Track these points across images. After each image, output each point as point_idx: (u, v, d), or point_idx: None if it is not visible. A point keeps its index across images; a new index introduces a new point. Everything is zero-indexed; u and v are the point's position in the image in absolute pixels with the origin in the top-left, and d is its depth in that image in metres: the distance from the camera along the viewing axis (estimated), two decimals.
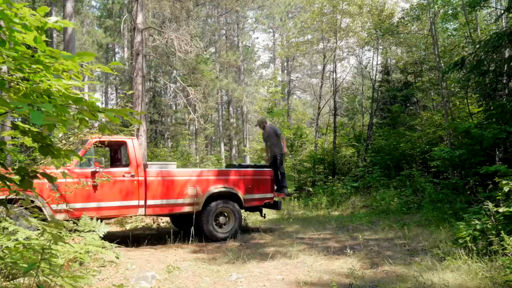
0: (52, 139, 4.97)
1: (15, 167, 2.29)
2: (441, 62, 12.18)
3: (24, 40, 2.05)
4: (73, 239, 4.14)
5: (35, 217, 3.60)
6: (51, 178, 2.27)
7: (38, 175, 2.27)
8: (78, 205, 5.50)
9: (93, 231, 4.34)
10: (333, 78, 16.66)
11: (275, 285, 3.94)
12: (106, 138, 5.91)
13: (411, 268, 4.43)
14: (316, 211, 10.81)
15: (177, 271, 4.46)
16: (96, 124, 6.48)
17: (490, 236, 4.50)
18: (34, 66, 2.09)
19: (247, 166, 8.10)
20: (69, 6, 10.68)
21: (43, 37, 2.07)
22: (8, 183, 2.25)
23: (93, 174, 5.68)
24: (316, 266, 4.70)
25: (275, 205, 7.40)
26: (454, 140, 10.70)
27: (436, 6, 11.83)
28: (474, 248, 4.51)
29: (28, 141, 2.29)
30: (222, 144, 27.29)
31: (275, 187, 7.65)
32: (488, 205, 4.93)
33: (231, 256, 5.20)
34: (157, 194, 6.16)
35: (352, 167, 14.93)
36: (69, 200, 5.42)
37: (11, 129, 2.36)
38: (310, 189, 13.02)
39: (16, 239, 3.14)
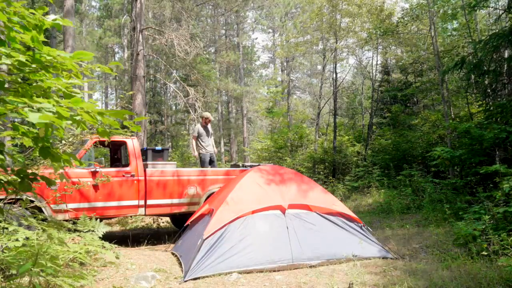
0: (52, 140, 4.96)
1: (14, 168, 2.29)
2: (441, 62, 12.17)
3: (22, 39, 2.04)
4: (72, 239, 4.14)
5: (34, 217, 3.60)
6: (49, 182, 2.26)
7: (38, 177, 2.26)
8: (78, 205, 5.50)
9: (93, 231, 4.34)
10: (333, 78, 16.65)
11: (275, 285, 3.93)
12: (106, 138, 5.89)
13: (411, 268, 4.43)
14: None
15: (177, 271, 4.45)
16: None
17: (490, 236, 4.49)
18: (34, 65, 2.09)
19: (250, 166, 8.04)
20: (69, 5, 10.67)
21: (41, 37, 2.06)
22: (6, 185, 2.24)
23: (93, 174, 5.68)
24: (316, 266, 4.68)
25: None
26: (454, 140, 10.69)
27: (436, 6, 11.81)
28: (474, 248, 4.50)
29: (27, 141, 2.29)
30: (222, 144, 27.28)
31: None
32: (488, 205, 4.93)
33: None
34: (157, 194, 6.16)
35: (352, 167, 14.93)
36: (69, 200, 5.42)
37: (11, 130, 2.36)
38: None
39: (16, 239, 3.13)
